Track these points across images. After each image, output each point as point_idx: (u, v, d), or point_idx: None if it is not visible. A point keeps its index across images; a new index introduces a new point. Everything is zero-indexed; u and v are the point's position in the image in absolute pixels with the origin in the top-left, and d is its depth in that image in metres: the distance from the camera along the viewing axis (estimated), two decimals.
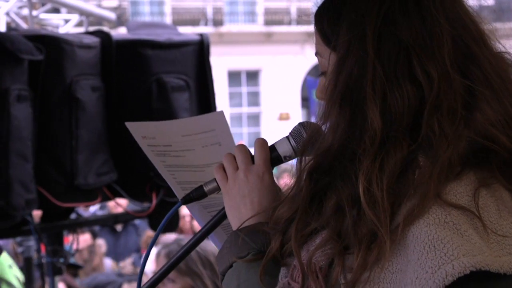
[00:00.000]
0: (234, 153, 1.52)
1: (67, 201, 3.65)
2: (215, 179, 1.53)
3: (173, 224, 4.27)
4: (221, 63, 20.42)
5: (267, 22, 25.24)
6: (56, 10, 5.14)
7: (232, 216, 1.49)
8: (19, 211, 3.36)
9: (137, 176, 3.86)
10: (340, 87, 1.36)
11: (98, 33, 3.91)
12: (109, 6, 20.61)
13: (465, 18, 1.39)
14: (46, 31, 4.00)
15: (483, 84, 1.34)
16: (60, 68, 3.60)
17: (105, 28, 4.70)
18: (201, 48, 4.09)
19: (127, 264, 7.88)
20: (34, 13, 4.68)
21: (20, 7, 4.80)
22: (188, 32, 4.63)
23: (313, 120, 1.50)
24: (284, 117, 24.14)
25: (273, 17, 25.26)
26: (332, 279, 1.30)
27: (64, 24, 5.02)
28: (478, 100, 1.33)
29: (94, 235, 7.88)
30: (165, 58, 3.95)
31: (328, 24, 1.42)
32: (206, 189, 1.53)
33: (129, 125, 1.62)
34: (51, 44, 3.56)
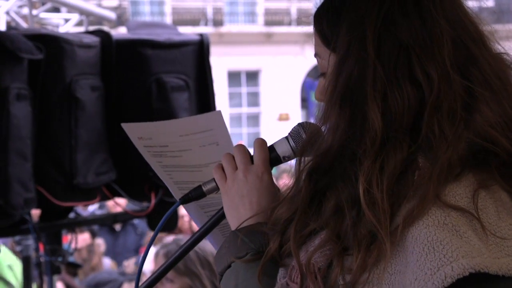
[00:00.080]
0: (232, 153, 1.52)
1: (66, 200, 3.65)
2: (213, 179, 1.52)
3: (172, 224, 4.27)
4: (221, 63, 20.42)
5: (267, 23, 25.24)
6: (56, 10, 5.14)
7: (231, 216, 1.49)
8: (18, 210, 3.36)
9: (136, 175, 3.86)
10: (340, 88, 1.36)
11: (98, 33, 3.91)
12: (109, 6, 20.61)
13: (465, 19, 1.39)
14: (46, 30, 4.00)
15: (483, 85, 1.34)
16: (59, 68, 3.60)
17: (105, 28, 4.70)
18: (201, 48, 4.09)
19: (130, 264, 7.88)
20: (34, 12, 4.67)
21: (20, 6, 4.80)
22: (188, 32, 4.63)
23: (312, 121, 1.50)
24: (283, 118, 24.14)
25: (273, 18, 25.26)
26: (331, 280, 1.30)
27: (64, 24, 5.01)
28: (477, 101, 1.33)
29: (93, 235, 7.87)
30: (165, 58, 3.95)
31: (327, 25, 1.42)
32: (204, 189, 1.53)
33: (125, 126, 1.61)
34: (51, 43, 3.56)
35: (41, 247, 3.99)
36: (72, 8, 4.90)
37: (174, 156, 1.64)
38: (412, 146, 1.31)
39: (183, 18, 24.04)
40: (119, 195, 3.93)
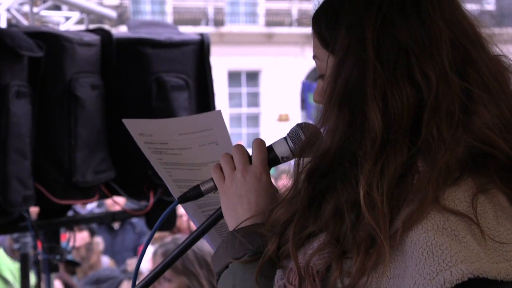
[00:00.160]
0: (231, 153, 1.52)
1: (64, 198, 3.65)
2: (212, 178, 1.52)
3: (170, 223, 4.27)
4: (221, 63, 20.42)
5: (268, 23, 25.24)
6: (57, 8, 5.14)
7: (229, 216, 1.49)
8: (16, 207, 3.36)
9: (135, 174, 3.86)
10: (339, 89, 1.36)
11: (99, 31, 3.90)
12: (110, 4, 20.62)
13: (463, 21, 1.39)
14: (47, 28, 4.00)
15: (481, 87, 1.34)
16: (60, 65, 3.59)
17: (106, 26, 4.69)
18: (201, 48, 4.08)
19: (132, 262, 7.87)
20: (35, 10, 4.67)
21: (21, 4, 4.80)
22: (189, 31, 4.63)
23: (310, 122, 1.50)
24: (283, 118, 24.14)
25: (274, 18, 25.26)
26: (329, 284, 1.29)
27: (65, 22, 5.01)
28: (475, 103, 1.33)
29: (92, 233, 7.87)
30: (165, 57, 3.95)
31: (326, 27, 1.42)
32: (203, 188, 1.53)
33: (126, 121, 1.61)
34: (51, 41, 3.56)
35: (39, 245, 3.99)
36: (73, 6, 4.90)
37: (173, 154, 1.64)
38: (411, 148, 1.31)
39: (184, 17, 24.04)
40: (118, 194, 3.93)
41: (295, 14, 25.12)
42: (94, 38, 3.80)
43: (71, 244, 4.35)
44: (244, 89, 25.62)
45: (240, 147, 1.52)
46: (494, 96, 1.34)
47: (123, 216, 4.86)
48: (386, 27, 1.35)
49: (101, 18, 5.32)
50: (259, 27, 25.24)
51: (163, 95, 3.90)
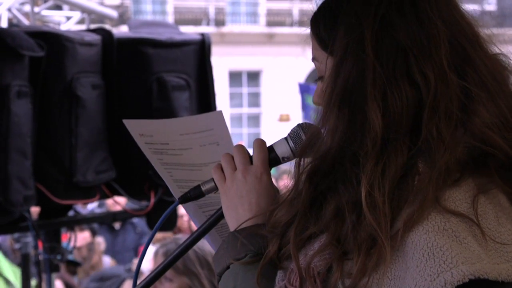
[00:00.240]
0: (232, 153, 1.52)
1: (65, 198, 3.65)
2: (212, 179, 1.52)
3: (171, 223, 4.27)
4: (222, 63, 20.41)
5: (269, 23, 25.24)
6: (58, 7, 5.13)
7: (230, 217, 1.49)
8: (17, 207, 3.36)
9: (136, 174, 3.86)
10: (338, 89, 1.36)
11: (100, 31, 3.90)
12: (111, 4, 20.62)
13: (461, 20, 1.39)
14: (48, 28, 4.00)
15: (479, 86, 1.34)
16: (61, 65, 3.59)
17: (107, 26, 4.69)
18: (202, 47, 4.08)
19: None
20: (36, 9, 4.67)
21: (22, 3, 4.80)
22: (190, 31, 4.63)
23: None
24: (284, 119, 24.13)
25: (275, 18, 25.26)
26: (330, 285, 1.29)
27: (66, 21, 5.01)
28: (474, 102, 1.33)
29: (94, 233, 7.88)
30: (166, 57, 3.95)
31: (324, 29, 1.42)
32: (203, 188, 1.53)
33: (127, 122, 1.61)
34: (52, 41, 3.56)
35: (40, 245, 3.99)
36: (74, 6, 4.90)
37: (174, 154, 1.64)
38: (412, 148, 1.31)
39: (185, 17, 24.05)
40: (119, 194, 3.93)
41: (296, 14, 25.12)
42: (95, 38, 3.80)
43: (71, 244, 4.34)
44: (245, 89, 25.62)
45: (241, 147, 1.52)
46: (492, 95, 1.34)
47: (124, 216, 4.86)
48: (384, 27, 1.35)
49: (102, 18, 5.32)
50: (260, 27, 25.24)
51: (164, 95, 3.90)
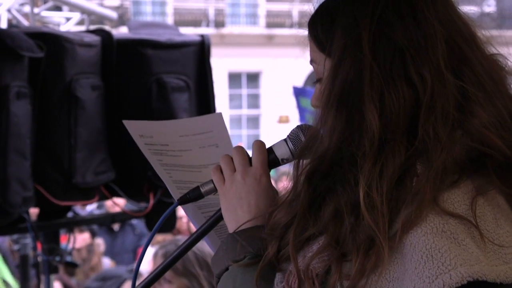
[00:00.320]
0: (231, 155, 1.51)
1: (64, 199, 3.65)
2: (212, 180, 1.52)
3: (170, 225, 4.27)
4: (221, 64, 20.42)
5: (269, 25, 25.24)
6: (57, 8, 5.14)
7: (229, 218, 1.49)
8: (16, 208, 3.36)
9: (135, 175, 3.86)
10: (336, 90, 1.36)
11: (99, 32, 3.90)
12: (111, 5, 20.62)
13: (458, 21, 1.40)
14: (47, 29, 4.00)
15: (476, 86, 1.35)
16: (60, 66, 3.59)
17: (106, 27, 4.70)
18: (202, 49, 4.08)
19: None
20: (36, 10, 4.67)
21: (22, 4, 4.80)
22: (190, 33, 4.63)
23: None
24: (283, 120, 24.13)
25: (275, 20, 25.26)
26: (329, 287, 1.29)
27: (66, 22, 5.01)
28: (471, 102, 1.33)
29: (93, 234, 7.88)
30: (166, 58, 3.95)
31: (322, 31, 1.43)
32: (203, 190, 1.53)
33: (127, 123, 1.61)
34: (52, 42, 3.56)
35: (39, 246, 3.98)
36: (73, 7, 4.91)
37: (174, 155, 1.64)
38: (409, 149, 1.31)
39: (184, 19, 24.05)
40: (118, 195, 3.93)
41: (295, 15, 25.12)
42: (95, 39, 3.80)
43: (70, 245, 4.34)
44: (244, 91, 25.62)
45: (240, 149, 1.52)
46: (489, 94, 1.35)
47: (123, 217, 4.86)
48: (381, 27, 1.35)
49: (101, 19, 5.32)
50: (260, 29, 25.25)
51: (164, 96, 3.90)
